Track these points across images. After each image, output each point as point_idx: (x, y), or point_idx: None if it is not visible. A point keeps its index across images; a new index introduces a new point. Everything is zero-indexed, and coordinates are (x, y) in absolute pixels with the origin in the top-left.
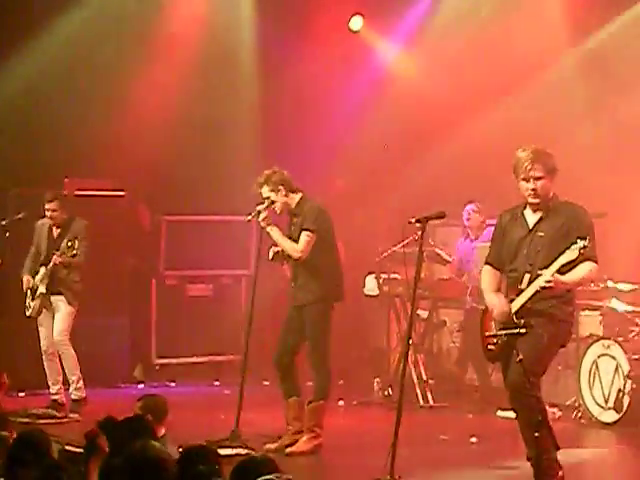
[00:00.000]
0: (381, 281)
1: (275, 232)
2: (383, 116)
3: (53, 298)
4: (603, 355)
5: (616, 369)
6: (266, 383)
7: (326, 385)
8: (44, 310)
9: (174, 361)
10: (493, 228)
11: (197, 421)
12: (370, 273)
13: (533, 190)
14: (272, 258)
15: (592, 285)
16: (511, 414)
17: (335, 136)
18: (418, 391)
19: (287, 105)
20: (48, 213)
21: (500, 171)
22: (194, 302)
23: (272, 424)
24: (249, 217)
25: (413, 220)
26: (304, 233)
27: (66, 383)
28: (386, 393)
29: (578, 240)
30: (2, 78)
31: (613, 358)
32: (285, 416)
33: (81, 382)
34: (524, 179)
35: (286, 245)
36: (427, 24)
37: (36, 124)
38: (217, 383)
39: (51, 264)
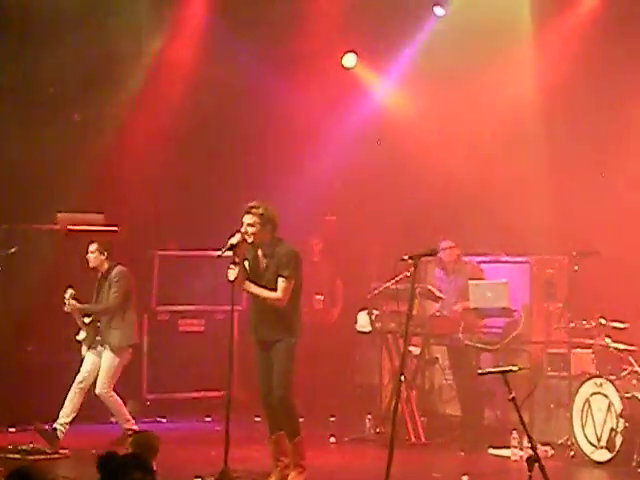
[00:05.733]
0: (373, 317)
1: (253, 288)
2: (375, 153)
3: (99, 346)
4: (595, 393)
5: (609, 407)
6: (257, 419)
7: (296, 421)
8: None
9: (165, 396)
10: None
11: (188, 457)
12: (362, 309)
13: None
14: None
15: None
16: (503, 452)
17: (327, 173)
18: (410, 428)
19: (279, 141)
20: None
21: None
22: (186, 337)
23: (264, 460)
24: (219, 253)
25: (406, 257)
26: (282, 280)
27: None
28: (378, 430)
29: None
30: None
31: (605, 396)
32: (272, 452)
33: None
34: None
35: (266, 295)
36: (420, 63)
37: (27, 159)
38: (208, 419)
39: (90, 319)
